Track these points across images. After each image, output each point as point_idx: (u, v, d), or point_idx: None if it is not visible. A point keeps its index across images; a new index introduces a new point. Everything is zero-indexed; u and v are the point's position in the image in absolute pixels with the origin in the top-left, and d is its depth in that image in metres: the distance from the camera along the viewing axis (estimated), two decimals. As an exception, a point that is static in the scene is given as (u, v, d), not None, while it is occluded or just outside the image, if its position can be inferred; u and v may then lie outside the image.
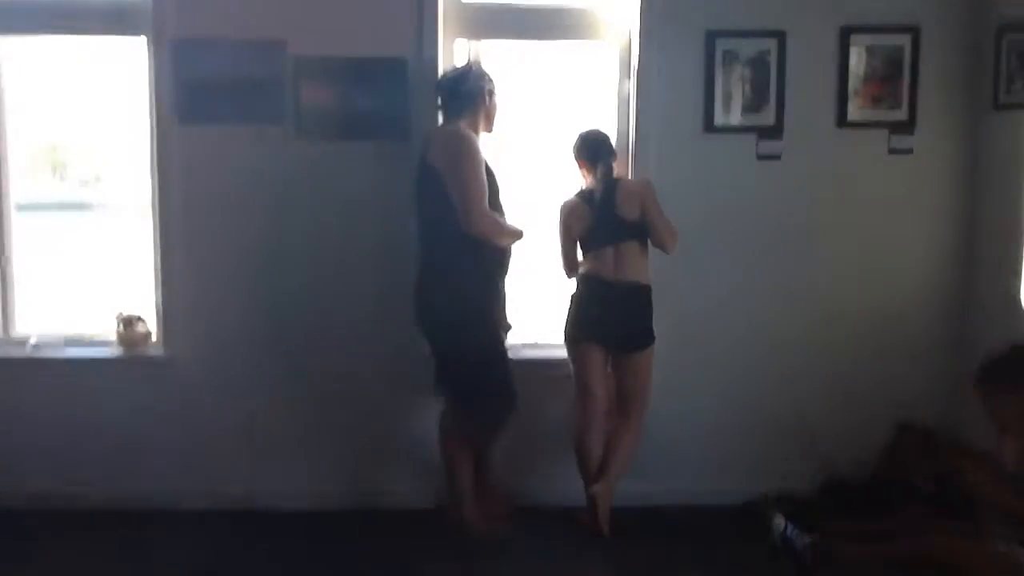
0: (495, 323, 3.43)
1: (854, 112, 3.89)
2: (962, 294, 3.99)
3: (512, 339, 3.67)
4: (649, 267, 3.61)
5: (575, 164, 3.69)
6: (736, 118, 3.84)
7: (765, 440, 3.98)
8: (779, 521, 3.49)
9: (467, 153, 3.25)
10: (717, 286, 3.92)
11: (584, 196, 3.62)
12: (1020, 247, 3.63)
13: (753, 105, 3.84)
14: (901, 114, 3.90)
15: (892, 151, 3.92)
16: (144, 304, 3.89)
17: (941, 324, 4.02)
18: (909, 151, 3.92)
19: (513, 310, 3.60)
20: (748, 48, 3.81)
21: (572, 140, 3.68)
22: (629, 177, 3.80)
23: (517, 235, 3.43)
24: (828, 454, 3.95)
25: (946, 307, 4.01)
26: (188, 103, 3.66)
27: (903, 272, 3.99)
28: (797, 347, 3.96)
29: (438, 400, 3.50)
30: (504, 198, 3.46)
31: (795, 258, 3.94)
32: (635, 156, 3.85)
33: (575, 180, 3.71)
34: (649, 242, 3.59)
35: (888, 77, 3.87)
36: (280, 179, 3.74)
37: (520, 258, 3.57)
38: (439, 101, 3.46)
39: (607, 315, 3.55)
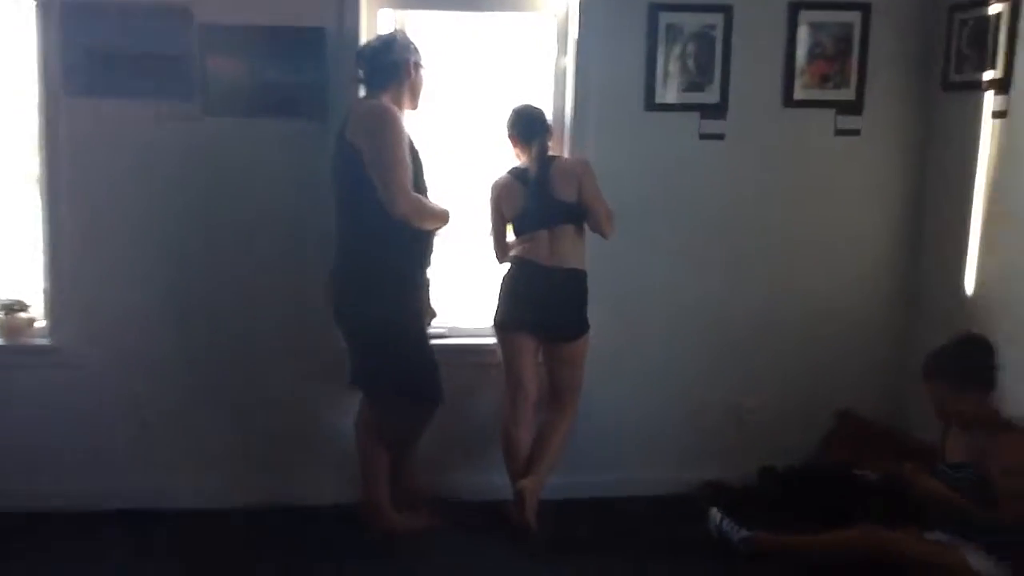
0: (417, 311, 3.24)
1: (800, 91, 3.73)
2: (909, 279, 3.90)
3: (437, 327, 3.50)
4: (585, 252, 3.44)
5: (508, 142, 3.50)
6: (679, 96, 3.67)
7: (703, 428, 3.89)
8: (715, 514, 3.39)
9: (389, 129, 3.04)
10: (655, 271, 3.77)
11: (517, 175, 3.43)
12: (967, 231, 3.53)
13: (697, 82, 3.67)
14: (849, 94, 3.76)
15: (839, 132, 3.78)
16: (30, 290, 3.62)
17: (886, 309, 3.93)
18: (856, 132, 3.79)
19: (439, 296, 3.42)
20: (692, 23, 3.62)
21: (505, 116, 3.48)
22: (565, 156, 3.62)
23: (443, 218, 3.23)
24: (768, 441, 3.88)
25: (892, 292, 3.92)
26: (80, 74, 3.37)
27: (849, 256, 3.89)
28: (738, 333, 3.85)
29: (355, 393, 3.32)
30: (429, 178, 3.26)
31: (737, 242, 3.81)
32: (572, 134, 3.67)
33: (508, 159, 3.52)
34: (586, 226, 3.42)
35: (836, 55, 3.72)
36: (184, 160, 3.48)
37: (447, 242, 3.38)
38: (360, 74, 3.23)
39: (540, 302, 3.39)
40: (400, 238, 3.11)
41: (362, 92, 3.27)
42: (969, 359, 3.01)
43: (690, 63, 3.65)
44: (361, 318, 3.17)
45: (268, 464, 3.69)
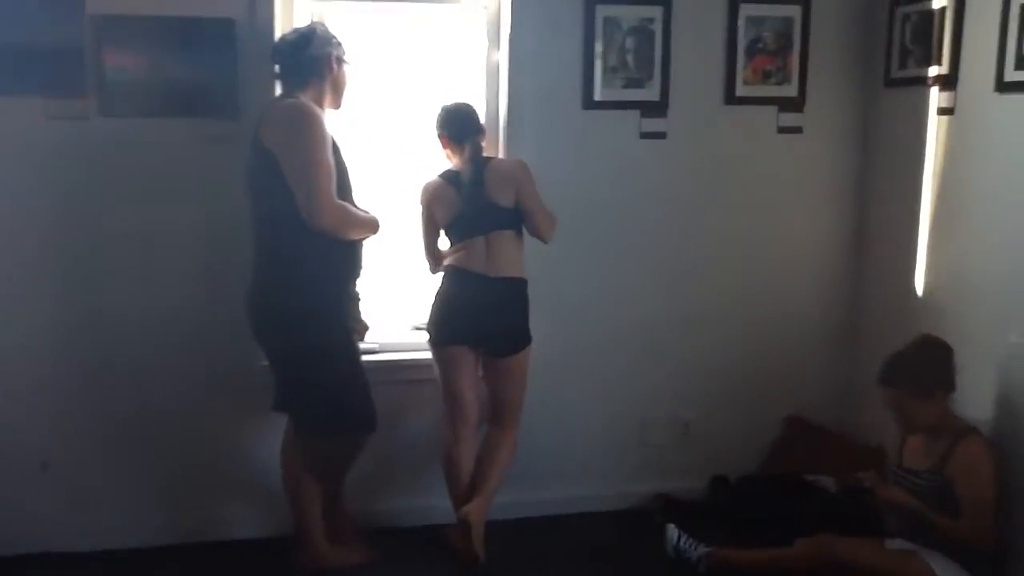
0: (346, 330, 2.97)
1: (742, 87, 3.59)
2: (856, 280, 3.81)
3: (368, 343, 3.24)
4: (523, 259, 3.22)
5: (438, 142, 3.25)
6: (619, 93, 3.48)
7: (651, 439, 3.74)
8: (672, 532, 3.24)
9: (309, 131, 2.75)
10: (596, 276, 3.59)
11: (449, 178, 3.20)
12: (916, 231, 3.42)
13: (636, 79, 3.49)
14: (791, 90, 3.64)
15: (782, 129, 3.66)
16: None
17: (833, 311, 3.83)
18: (799, 130, 3.67)
19: (369, 310, 3.16)
20: (631, 15, 3.45)
21: (434, 115, 3.24)
22: (501, 157, 3.39)
23: (371, 227, 2.96)
24: (718, 451, 3.76)
25: (839, 293, 3.82)
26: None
27: (794, 258, 3.77)
28: (683, 338, 3.70)
29: (280, 418, 3.03)
30: (355, 184, 2.99)
31: (680, 244, 3.65)
32: (507, 134, 3.46)
33: (439, 161, 3.28)
34: (524, 231, 3.20)
35: (778, 51, 3.59)
36: (80, 163, 3.14)
37: (376, 252, 3.12)
38: (276, 70, 2.94)
39: (478, 314, 3.16)
40: (324, 250, 2.83)
41: (279, 90, 2.98)
42: (930, 363, 2.91)
43: (629, 58, 3.47)
44: (284, 340, 2.88)
45: (186, 498, 3.38)
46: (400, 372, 3.41)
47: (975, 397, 3.02)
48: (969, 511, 2.81)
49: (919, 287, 3.42)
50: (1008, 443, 2.91)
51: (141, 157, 3.15)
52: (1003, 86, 2.95)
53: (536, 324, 3.25)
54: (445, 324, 3.19)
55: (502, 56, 3.44)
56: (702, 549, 3.14)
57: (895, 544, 3.00)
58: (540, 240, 3.22)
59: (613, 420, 3.68)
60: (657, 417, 3.72)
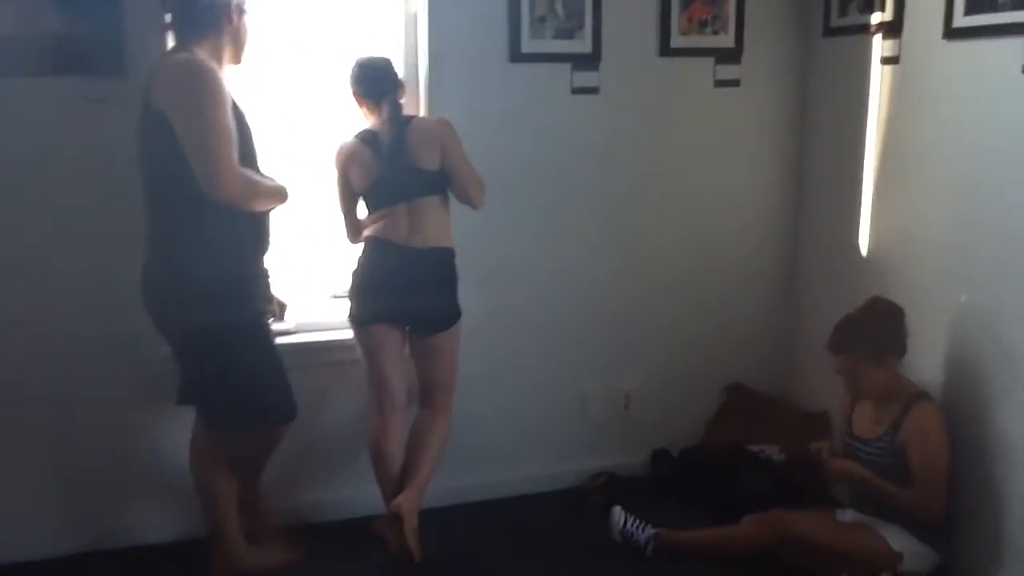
0: (256, 311, 2.67)
1: (678, 38, 3.38)
2: (797, 240, 3.68)
3: (283, 323, 2.96)
4: (450, 227, 2.97)
5: (353, 101, 2.96)
6: (548, 44, 3.23)
7: (589, 415, 3.56)
8: (618, 516, 3.08)
9: (206, 90, 2.43)
10: (527, 243, 3.36)
11: (366, 139, 2.92)
12: (859, 188, 3.29)
13: (566, 29, 3.24)
14: (728, 40, 3.45)
15: (719, 83, 3.48)
16: None
17: (773, 274, 3.69)
18: (736, 83, 3.49)
19: (283, 287, 2.88)
20: (558, -41, 3.20)
21: (348, 71, 2.94)
22: (423, 116, 3.12)
23: (278, 196, 2.65)
24: (658, 423, 3.61)
25: (779, 255, 3.69)
26: None
27: (732, 219, 3.61)
28: (619, 307, 3.51)
29: (188, 409, 2.73)
30: (260, 148, 2.68)
31: (616, 206, 3.45)
32: (428, 90, 3.18)
33: (354, 120, 2.99)
34: (451, 195, 2.95)
35: (713, -2, 3.40)
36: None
37: (286, 223, 2.83)
38: (167, 20, 2.61)
39: (402, 288, 2.91)
40: (227, 222, 2.52)
41: (171, 43, 2.64)
42: (881, 328, 2.80)
43: (558, 7, 3.22)
44: (186, 324, 2.57)
45: (86, 503, 3.06)
46: (320, 354, 3.14)
47: (925, 360, 2.92)
48: (921, 479, 2.74)
49: (864, 246, 3.28)
50: (958, 407, 2.82)
51: (14, 121, 2.77)
52: (952, 32, 2.79)
53: (465, 297, 3.01)
54: (367, 300, 2.93)
55: (420, 4, 3.15)
56: (649, 531, 3.00)
57: (847, 516, 2.94)
58: (469, 206, 2.96)
59: (550, 396, 3.49)
60: (596, 391, 3.54)
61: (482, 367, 3.27)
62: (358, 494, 3.16)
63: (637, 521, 3.03)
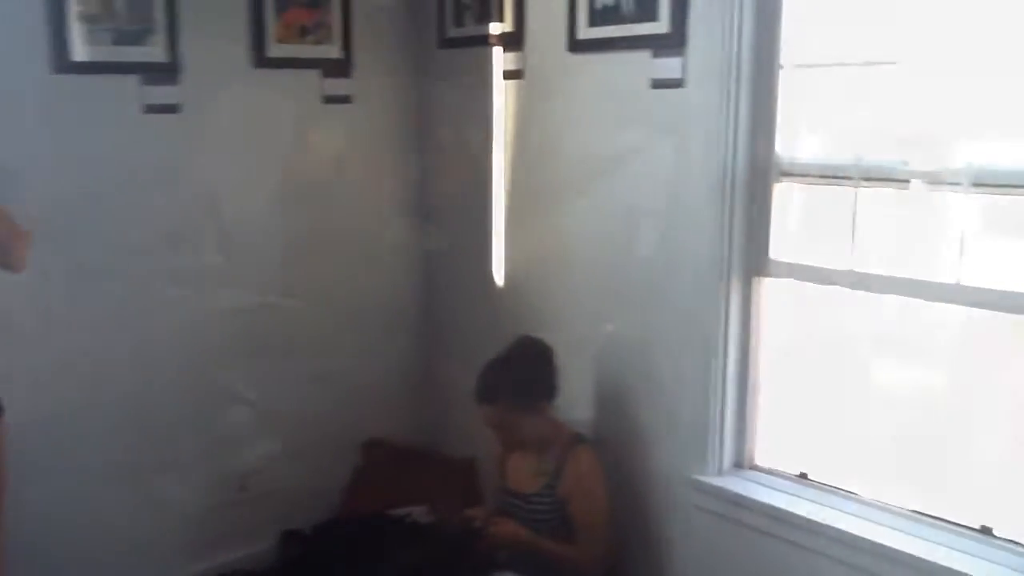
0: None
1: (275, 47, 2.87)
2: (424, 273, 3.32)
3: None
4: None
5: None
6: (108, 51, 2.55)
7: (204, 504, 2.91)
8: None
9: None
10: (87, 309, 2.62)
11: None
12: (488, 212, 3.00)
13: (132, 32, 2.58)
14: (335, 51, 3.01)
15: (328, 99, 3.02)
16: None
17: (406, 312, 3.33)
18: (347, 99, 3.06)
19: None
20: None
21: None
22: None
23: None
24: (290, 500, 3.06)
25: (410, 289, 3.32)
26: None
27: (352, 257, 3.16)
28: (223, 375, 2.90)
29: None
30: None
31: (206, 253, 2.83)
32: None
33: None
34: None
35: (314, 2, 2.93)
36: None
37: None
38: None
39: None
40: None
41: None
42: (532, 372, 2.51)
43: (118, 4, 2.54)
44: None
45: None
46: None
47: (577, 396, 2.69)
48: (584, 535, 2.50)
49: (499, 276, 3.01)
50: (610, 443, 2.63)
51: None
52: (577, 45, 2.59)
53: (13, 387, 2.22)
54: None
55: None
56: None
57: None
58: (6, 268, 2.18)
59: (149, 490, 2.78)
60: (205, 476, 2.90)
61: (40, 470, 2.48)
62: None
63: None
